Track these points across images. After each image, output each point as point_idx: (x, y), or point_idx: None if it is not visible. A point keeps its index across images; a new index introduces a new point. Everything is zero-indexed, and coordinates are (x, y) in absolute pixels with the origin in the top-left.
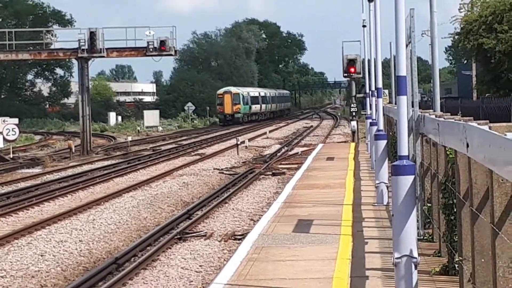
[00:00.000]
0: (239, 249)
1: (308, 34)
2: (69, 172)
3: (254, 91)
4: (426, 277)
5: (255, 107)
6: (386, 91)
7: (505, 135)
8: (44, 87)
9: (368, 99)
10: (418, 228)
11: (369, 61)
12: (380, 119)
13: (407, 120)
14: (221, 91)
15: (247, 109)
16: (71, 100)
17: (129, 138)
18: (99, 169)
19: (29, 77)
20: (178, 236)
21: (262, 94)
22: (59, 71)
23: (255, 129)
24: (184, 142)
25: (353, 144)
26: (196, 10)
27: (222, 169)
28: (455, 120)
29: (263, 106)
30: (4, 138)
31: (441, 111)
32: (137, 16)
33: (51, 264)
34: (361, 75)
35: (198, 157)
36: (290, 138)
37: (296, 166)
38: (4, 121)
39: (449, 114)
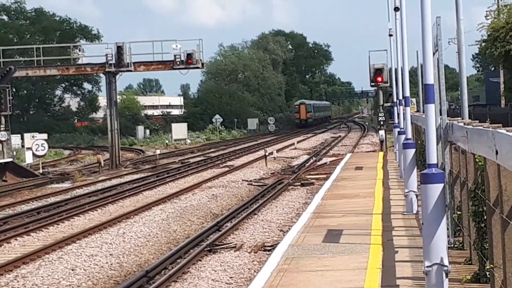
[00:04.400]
0: (269, 260)
1: (335, 44)
2: (99, 186)
3: (315, 102)
4: (457, 285)
5: (317, 114)
6: (414, 100)
7: None
8: (72, 102)
9: (395, 108)
10: (448, 236)
11: (396, 70)
12: (408, 127)
13: (435, 128)
14: (297, 102)
15: (314, 116)
16: (99, 114)
17: (158, 151)
18: (128, 182)
19: (58, 92)
20: (208, 248)
21: (318, 104)
22: (87, 86)
23: (283, 140)
24: (213, 154)
25: (381, 153)
26: (220, 22)
27: (250, 181)
28: (483, 127)
29: (320, 113)
30: (33, 154)
31: (469, 118)
32: (161, 30)
33: (82, 278)
34: (388, 84)
35: (226, 169)
36: (318, 149)
37: (324, 176)
38: (33, 136)
39: (477, 121)
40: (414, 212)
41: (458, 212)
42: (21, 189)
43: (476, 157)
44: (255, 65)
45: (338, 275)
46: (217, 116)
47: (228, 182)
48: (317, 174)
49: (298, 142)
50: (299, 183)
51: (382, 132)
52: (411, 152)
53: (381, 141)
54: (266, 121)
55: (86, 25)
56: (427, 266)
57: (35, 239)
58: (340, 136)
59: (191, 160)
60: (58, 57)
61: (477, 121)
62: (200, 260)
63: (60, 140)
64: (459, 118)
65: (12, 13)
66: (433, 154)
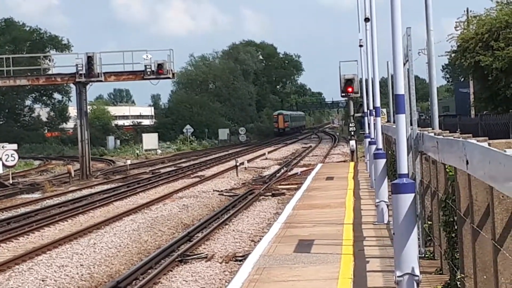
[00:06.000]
0: (240, 271)
1: (305, 54)
2: (69, 196)
3: (292, 113)
4: None
5: (293, 124)
6: (384, 110)
7: (505, 151)
8: (42, 112)
9: (366, 118)
10: (419, 246)
11: (366, 80)
12: (379, 138)
13: (406, 139)
14: (276, 113)
15: (291, 125)
16: (69, 124)
17: (128, 162)
18: (98, 193)
19: (27, 102)
20: (179, 259)
21: (294, 115)
22: (57, 96)
23: (254, 150)
24: (183, 165)
25: (352, 164)
26: (190, 32)
27: (221, 191)
28: (454, 137)
29: (296, 123)
30: (3, 164)
31: (439, 128)
32: (132, 41)
33: None
34: (359, 95)
35: (197, 179)
36: (289, 159)
37: (295, 186)
38: (3, 147)
39: (447, 131)
40: (385, 222)
41: (429, 222)
42: None
43: (446, 167)
44: (226, 75)
45: (310, 285)
46: (188, 126)
47: (199, 192)
48: (288, 184)
49: (269, 152)
50: (270, 193)
51: (352, 142)
52: (381, 162)
53: (352, 151)
54: (237, 131)
55: (56, 35)
56: (398, 276)
57: (5, 250)
58: (311, 146)
59: (162, 171)
60: (28, 67)
61: (448, 131)
62: (171, 271)
63: (30, 150)
64: (429, 128)
65: None
66: (404, 164)
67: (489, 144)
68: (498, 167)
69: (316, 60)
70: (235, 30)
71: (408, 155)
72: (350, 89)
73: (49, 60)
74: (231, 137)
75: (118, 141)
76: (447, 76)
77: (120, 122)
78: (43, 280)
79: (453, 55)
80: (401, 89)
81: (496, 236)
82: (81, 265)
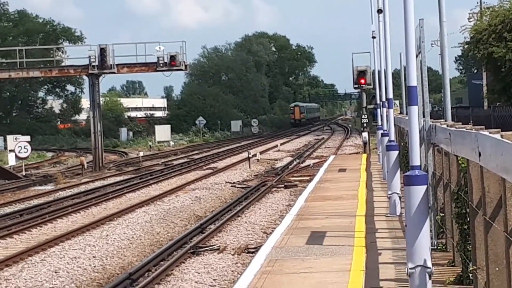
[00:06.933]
0: (252, 262)
1: (318, 46)
2: (82, 188)
3: (307, 105)
4: (440, 287)
5: (309, 115)
6: (397, 102)
7: None
8: (55, 104)
9: (379, 110)
10: (431, 238)
11: (379, 72)
12: (392, 129)
13: (418, 130)
14: (292, 104)
15: (307, 116)
16: (82, 116)
17: (141, 154)
18: (111, 185)
19: (40, 94)
20: (192, 251)
21: (310, 106)
22: (70, 88)
23: (266, 142)
24: (196, 157)
25: (364, 155)
26: (202, 24)
27: (234, 183)
28: (466, 129)
29: (311, 114)
30: (16, 156)
31: (452, 120)
32: (145, 33)
33: (65, 280)
34: (371, 86)
35: (210, 171)
36: (302, 151)
37: (308, 178)
38: (16, 138)
39: (460, 123)
40: (398, 214)
41: (441, 214)
42: (4, 191)
43: (459, 159)
44: (238, 67)
45: (322, 277)
46: (201, 118)
47: (212, 184)
48: (301, 176)
49: (281, 144)
50: (283, 185)
51: (365, 134)
52: (394, 154)
53: (364, 143)
54: (249, 123)
55: (69, 27)
56: (411, 268)
57: (18, 241)
58: (323, 138)
59: (175, 162)
60: (41, 59)
61: (460, 123)
62: (184, 262)
63: (43, 142)
64: (442, 120)
65: None
66: (416, 156)
67: (501, 136)
68: (511, 159)
69: (329, 52)
70: (248, 22)
71: (420, 147)
72: (362, 81)
73: (62, 52)
74: (243, 128)
75: (131, 133)
76: (460, 67)
77: (133, 114)
78: (55, 272)
79: (466, 46)
80: (413, 80)
81: (508, 228)
82: (93, 256)
